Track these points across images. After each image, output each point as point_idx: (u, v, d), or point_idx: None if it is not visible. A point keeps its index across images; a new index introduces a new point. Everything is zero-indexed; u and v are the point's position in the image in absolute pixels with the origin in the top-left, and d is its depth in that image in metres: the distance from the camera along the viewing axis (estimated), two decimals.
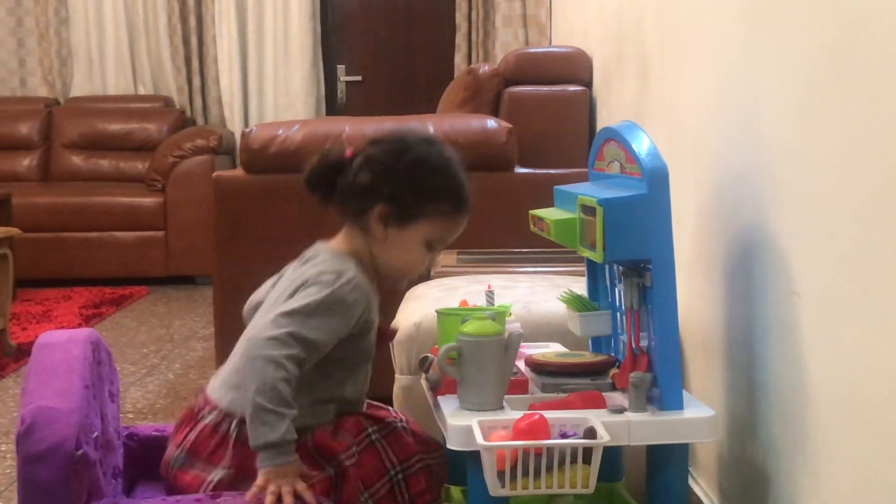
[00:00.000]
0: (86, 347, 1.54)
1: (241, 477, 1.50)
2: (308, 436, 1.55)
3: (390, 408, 1.74)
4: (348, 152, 1.61)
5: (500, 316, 1.65)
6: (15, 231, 4.03)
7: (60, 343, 1.54)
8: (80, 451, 1.38)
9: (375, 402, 1.72)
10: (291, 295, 1.53)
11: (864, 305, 1.22)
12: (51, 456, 1.37)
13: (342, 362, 1.58)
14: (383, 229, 1.59)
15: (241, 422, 1.50)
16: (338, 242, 1.63)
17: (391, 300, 2.18)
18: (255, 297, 1.67)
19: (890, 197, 1.15)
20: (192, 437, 1.55)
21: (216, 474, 1.52)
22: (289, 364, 1.46)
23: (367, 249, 1.61)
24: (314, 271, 1.55)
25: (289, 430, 1.45)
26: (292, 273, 1.60)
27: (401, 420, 1.66)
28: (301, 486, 1.44)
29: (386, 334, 1.67)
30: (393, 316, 2.10)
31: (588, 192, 1.57)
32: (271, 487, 1.42)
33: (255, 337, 1.48)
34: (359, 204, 1.59)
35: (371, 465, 1.58)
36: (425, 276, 2.38)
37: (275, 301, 1.56)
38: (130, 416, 3.08)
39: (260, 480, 1.44)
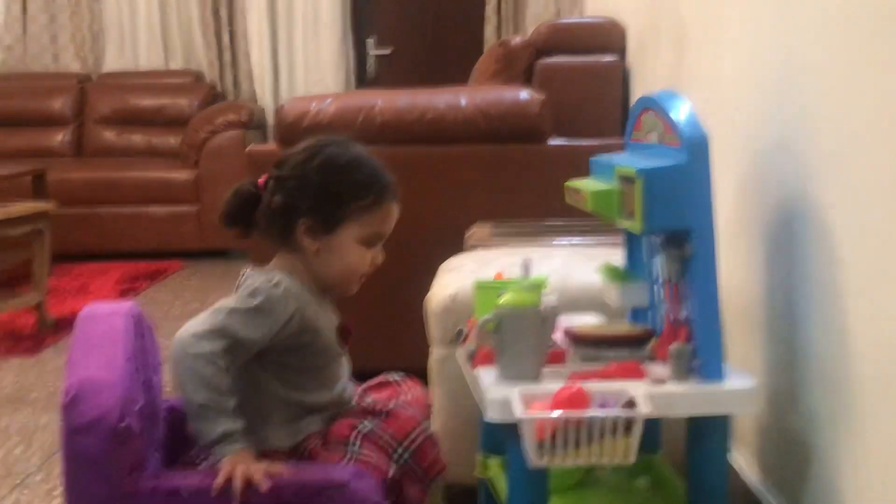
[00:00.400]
0: (128, 320, 1.56)
1: None
2: (304, 451, 1.57)
3: (393, 377, 1.75)
4: (261, 181, 1.63)
5: (536, 288, 1.65)
6: (51, 206, 4.06)
7: (103, 315, 1.56)
8: (123, 423, 1.39)
9: (374, 381, 1.74)
10: None
11: None
12: (95, 427, 1.38)
13: (303, 371, 1.60)
14: (313, 241, 1.60)
15: None
16: (269, 266, 1.64)
17: (425, 272, 2.19)
18: None
19: None
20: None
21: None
22: (219, 360, 1.47)
23: (302, 267, 1.61)
24: (241, 289, 1.58)
25: (233, 420, 1.47)
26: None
27: (395, 399, 1.67)
28: (256, 469, 1.44)
29: (347, 332, 1.67)
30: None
31: (626, 162, 1.55)
32: (227, 469, 1.43)
33: (181, 336, 1.49)
34: (282, 226, 1.61)
35: (374, 456, 1.57)
36: (461, 249, 2.38)
37: None
38: (166, 389, 3.10)
39: (222, 467, 1.44)
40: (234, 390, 1.49)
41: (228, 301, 1.56)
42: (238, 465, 1.44)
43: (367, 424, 1.60)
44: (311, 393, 1.61)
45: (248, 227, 1.65)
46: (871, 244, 1.32)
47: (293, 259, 1.62)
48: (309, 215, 1.59)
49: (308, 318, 1.57)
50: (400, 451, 1.60)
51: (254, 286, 1.55)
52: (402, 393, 1.71)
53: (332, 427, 1.61)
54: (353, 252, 1.61)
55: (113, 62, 6.37)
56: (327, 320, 1.63)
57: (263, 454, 1.54)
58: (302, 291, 1.58)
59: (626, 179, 1.50)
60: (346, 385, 1.68)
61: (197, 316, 1.53)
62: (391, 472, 1.57)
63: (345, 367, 1.70)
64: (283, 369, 1.58)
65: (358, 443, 1.57)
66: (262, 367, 1.58)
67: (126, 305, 1.61)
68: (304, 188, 1.59)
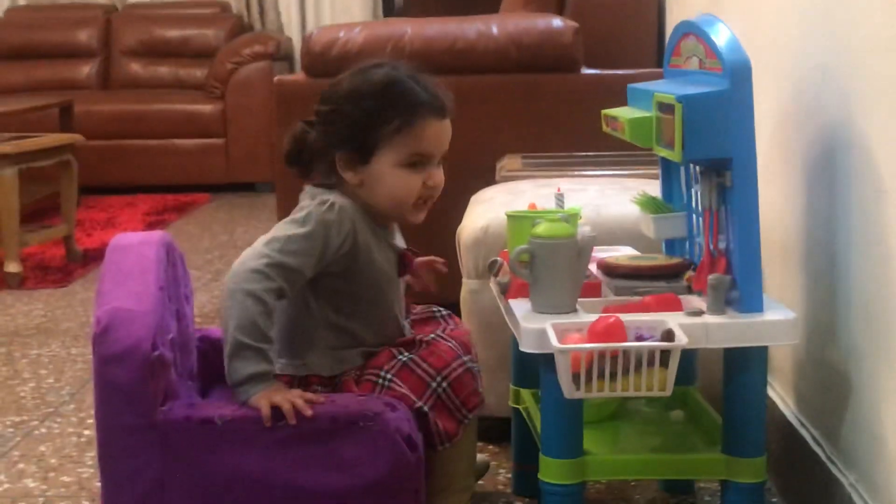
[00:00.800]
0: (159, 249, 1.54)
1: None
2: (339, 384, 1.57)
3: (439, 312, 1.74)
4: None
5: (571, 219, 1.62)
6: (77, 137, 4.06)
7: (134, 245, 1.54)
8: (156, 353, 1.39)
9: (418, 314, 1.72)
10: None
11: None
12: (127, 357, 1.38)
13: (356, 299, 1.58)
14: (353, 174, 1.57)
15: None
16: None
17: (455, 204, 2.16)
18: None
19: None
20: None
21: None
22: (268, 298, 1.47)
23: (357, 198, 1.58)
24: (295, 211, 1.56)
25: (267, 363, 1.47)
26: None
27: (436, 332, 1.64)
28: (294, 396, 1.44)
29: (407, 260, 1.65)
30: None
31: (665, 89, 1.51)
32: (270, 400, 1.43)
33: (236, 269, 1.48)
34: (323, 163, 1.58)
35: (409, 383, 1.55)
36: (491, 181, 2.35)
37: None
38: (199, 320, 3.11)
39: (256, 402, 1.44)
40: (276, 328, 1.50)
41: (282, 228, 1.53)
42: (275, 395, 1.44)
43: (406, 354, 1.59)
44: (362, 323, 1.60)
45: (305, 166, 1.62)
46: None
47: (347, 191, 1.59)
48: (343, 148, 1.56)
49: (362, 241, 1.55)
50: (438, 379, 1.57)
51: (307, 210, 1.53)
52: (445, 327, 1.69)
53: (370, 359, 1.60)
54: (395, 177, 1.56)
55: None
56: (384, 251, 1.61)
57: (300, 380, 1.54)
58: (357, 216, 1.55)
59: (666, 106, 1.46)
60: (402, 324, 1.67)
61: (253, 245, 1.51)
62: (427, 403, 1.55)
63: (401, 303, 1.67)
64: (334, 295, 1.57)
65: (392, 373, 1.56)
66: (315, 291, 1.57)
67: (157, 234, 1.59)
68: (335, 121, 1.57)
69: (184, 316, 1.58)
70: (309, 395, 1.47)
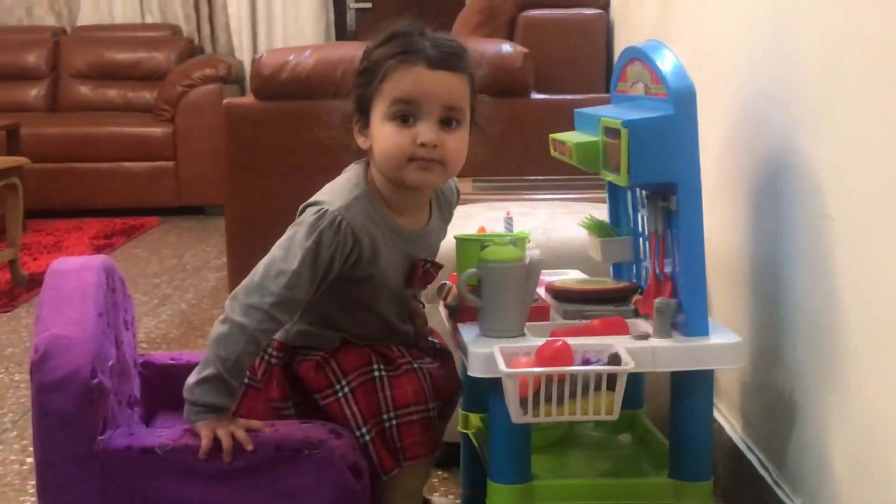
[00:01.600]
0: (99, 275, 1.52)
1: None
2: (296, 363, 1.52)
3: (438, 343, 1.66)
4: None
5: (519, 242, 1.62)
6: (24, 160, 4.00)
7: (74, 270, 1.51)
8: (95, 380, 1.36)
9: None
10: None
11: None
12: (66, 384, 1.35)
13: (348, 296, 1.52)
14: (364, 139, 1.49)
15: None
16: (336, 186, 1.51)
17: None
18: None
19: None
20: None
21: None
22: (264, 339, 1.44)
23: (370, 179, 1.51)
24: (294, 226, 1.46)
25: (233, 397, 1.44)
26: None
27: (423, 362, 1.56)
28: (237, 427, 1.42)
29: (416, 273, 1.55)
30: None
31: (611, 113, 1.52)
32: (213, 431, 1.40)
33: (240, 297, 1.42)
34: (347, 136, 1.52)
35: (364, 402, 1.50)
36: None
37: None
38: (144, 345, 3.07)
39: (198, 429, 1.41)
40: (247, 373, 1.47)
41: (282, 247, 1.43)
42: (220, 428, 1.41)
43: (380, 369, 1.52)
44: (350, 320, 1.54)
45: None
46: (857, 199, 1.30)
47: (360, 170, 1.51)
48: (357, 114, 1.49)
49: (366, 252, 1.46)
50: (392, 415, 1.50)
51: (306, 221, 1.43)
52: (432, 363, 1.59)
53: (348, 348, 1.53)
54: (383, 132, 1.45)
55: (88, 15, 6.27)
56: (394, 257, 1.51)
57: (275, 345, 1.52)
58: (366, 218, 1.46)
59: (612, 131, 1.46)
60: (400, 329, 1.58)
61: (256, 268, 1.44)
62: (371, 431, 1.49)
63: (402, 308, 1.58)
64: (326, 289, 1.48)
65: (352, 385, 1.50)
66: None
67: (98, 259, 1.57)
68: (351, 83, 1.50)
69: (122, 342, 1.55)
70: (254, 424, 1.44)
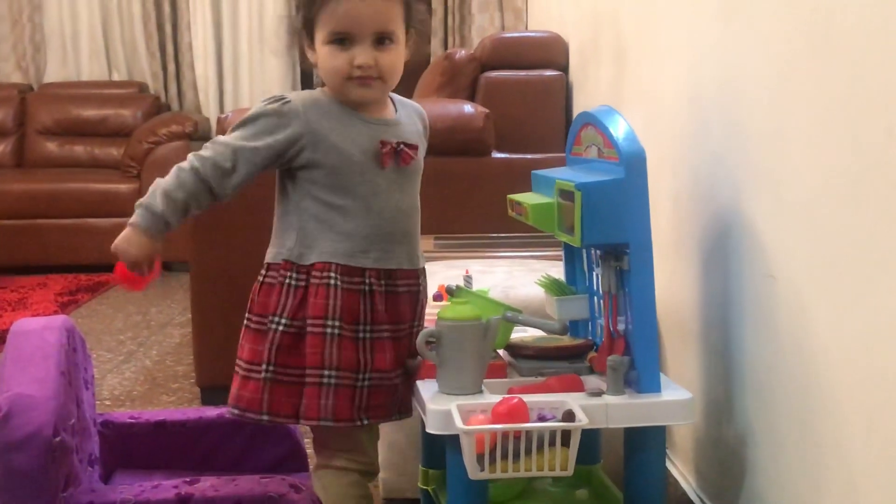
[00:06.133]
0: (61, 334, 1.54)
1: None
2: (304, 330, 1.54)
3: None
4: None
5: (477, 300, 1.66)
6: None
7: (36, 330, 1.54)
8: (58, 438, 1.37)
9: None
10: None
11: (839, 287, 1.23)
12: (29, 443, 1.36)
13: (334, 188, 1.57)
14: (313, 53, 1.61)
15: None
16: None
17: None
18: None
19: (864, 180, 1.16)
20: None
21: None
22: (197, 162, 1.54)
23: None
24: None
25: (172, 212, 1.55)
26: None
27: (413, 327, 1.62)
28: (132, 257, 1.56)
29: (385, 151, 1.59)
30: None
31: (566, 176, 1.57)
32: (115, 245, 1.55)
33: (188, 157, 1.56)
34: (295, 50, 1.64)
35: (340, 403, 1.53)
36: None
37: None
38: (108, 403, 3.06)
39: (115, 245, 1.57)
40: (198, 200, 1.56)
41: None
42: (122, 245, 1.57)
43: (367, 378, 1.56)
44: (341, 214, 1.58)
45: None
46: (803, 256, 1.35)
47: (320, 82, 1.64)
48: (303, 31, 1.61)
49: (322, 129, 1.56)
50: (362, 376, 1.54)
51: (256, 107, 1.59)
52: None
53: (347, 295, 1.56)
54: (325, 55, 1.57)
55: (55, 73, 6.30)
56: (354, 137, 1.58)
57: (273, 266, 1.59)
58: (321, 109, 1.58)
59: (566, 193, 1.51)
60: (402, 227, 1.65)
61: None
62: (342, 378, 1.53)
63: (399, 201, 1.63)
64: (312, 185, 1.58)
65: (338, 381, 1.53)
66: (294, 182, 1.59)
67: (59, 319, 1.59)
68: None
69: (83, 402, 1.57)
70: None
